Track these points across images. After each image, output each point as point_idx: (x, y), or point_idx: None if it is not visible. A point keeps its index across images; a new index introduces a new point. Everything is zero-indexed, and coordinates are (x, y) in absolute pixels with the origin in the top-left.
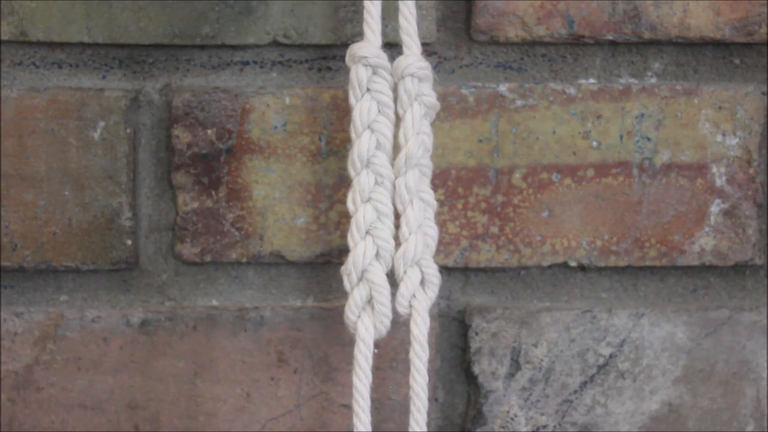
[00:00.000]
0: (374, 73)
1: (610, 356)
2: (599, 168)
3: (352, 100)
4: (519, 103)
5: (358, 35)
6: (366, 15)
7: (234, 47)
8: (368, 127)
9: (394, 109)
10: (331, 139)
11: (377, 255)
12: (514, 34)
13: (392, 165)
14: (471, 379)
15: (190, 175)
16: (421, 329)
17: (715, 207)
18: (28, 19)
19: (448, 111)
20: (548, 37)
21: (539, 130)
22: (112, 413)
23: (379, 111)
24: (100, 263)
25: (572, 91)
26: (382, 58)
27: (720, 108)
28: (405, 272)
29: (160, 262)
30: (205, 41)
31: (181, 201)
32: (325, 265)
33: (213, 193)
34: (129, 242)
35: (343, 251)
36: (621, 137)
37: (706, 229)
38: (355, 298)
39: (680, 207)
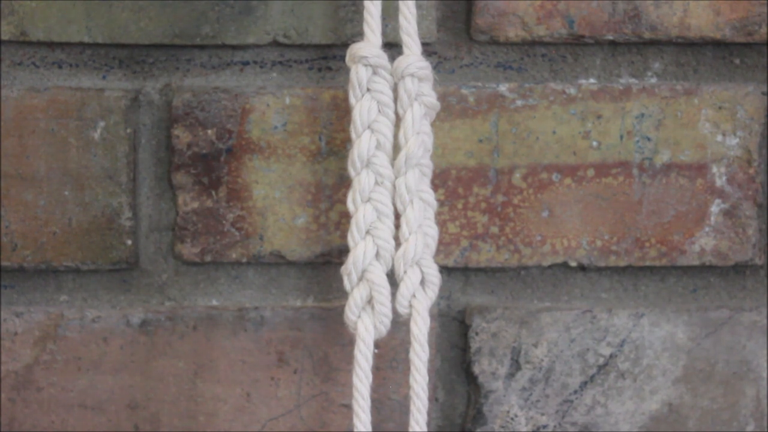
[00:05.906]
0: (374, 73)
1: (610, 356)
2: (599, 168)
3: (352, 100)
4: (519, 103)
5: (358, 35)
6: (366, 15)
7: (234, 47)
8: (368, 127)
9: (394, 109)
10: (331, 139)
11: (377, 255)
12: (514, 34)
13: (392, 165)
14: (471, 379)
15: (190, 175)
16: (421, 329)
17: (715, 207)
18: (28, 19)
19: (448, 111)
20: (548, 37)
21: (539, 130)
22: (112, 413)
23: (379, 111)
24: (100, 263)
25: (572, 91)
26: (382, 58)
27: (720, 108)
28: (405, 272)
29: (160, 262)
30: (205, 41)
31: (181, 201)
32: (325, 265)
33: (213, 193)
34: (129, 242)
35: (343, 251)
36: (621, 137)
37: (706, 229)
38: (355, 298)
39: (680, 207)
